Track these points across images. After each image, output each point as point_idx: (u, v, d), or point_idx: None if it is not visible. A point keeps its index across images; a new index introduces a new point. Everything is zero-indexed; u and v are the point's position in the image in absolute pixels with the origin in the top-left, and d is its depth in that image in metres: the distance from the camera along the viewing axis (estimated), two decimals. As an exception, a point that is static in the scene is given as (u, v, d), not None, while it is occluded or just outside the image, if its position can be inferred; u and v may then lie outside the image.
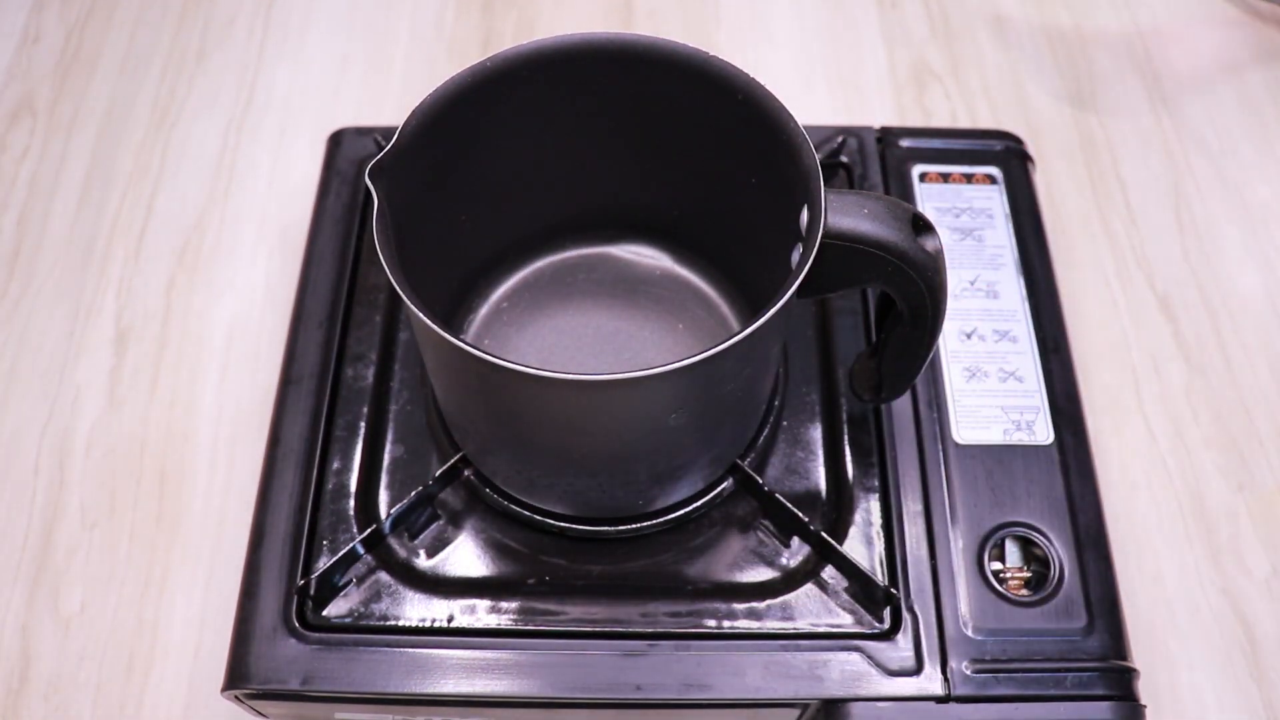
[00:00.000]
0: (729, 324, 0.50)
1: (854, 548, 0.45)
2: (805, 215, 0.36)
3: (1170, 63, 0.72)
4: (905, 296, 0.38)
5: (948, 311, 0.40)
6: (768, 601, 0.44)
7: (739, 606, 0.44)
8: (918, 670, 0.42)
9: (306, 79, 0.71)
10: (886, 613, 0.44)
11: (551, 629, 0.43)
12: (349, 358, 0.50)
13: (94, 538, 0.53)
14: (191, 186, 0.66)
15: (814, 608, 0.44)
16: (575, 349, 0.48)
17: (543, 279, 0.51)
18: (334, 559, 0.43)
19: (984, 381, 0.49)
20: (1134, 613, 0.49)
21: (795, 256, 0.37)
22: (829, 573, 0.44)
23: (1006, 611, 0.43)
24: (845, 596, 0.44)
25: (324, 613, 0.44)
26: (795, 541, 0.46)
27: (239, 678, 0.42)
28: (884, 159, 0.57)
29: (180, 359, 0.59)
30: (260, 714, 0.44)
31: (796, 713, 0.43)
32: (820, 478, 0.48)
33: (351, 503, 0.46)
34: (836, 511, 0.47)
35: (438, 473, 0.45)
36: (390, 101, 0.70)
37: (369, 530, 0.44)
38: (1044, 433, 0.48)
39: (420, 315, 0.34)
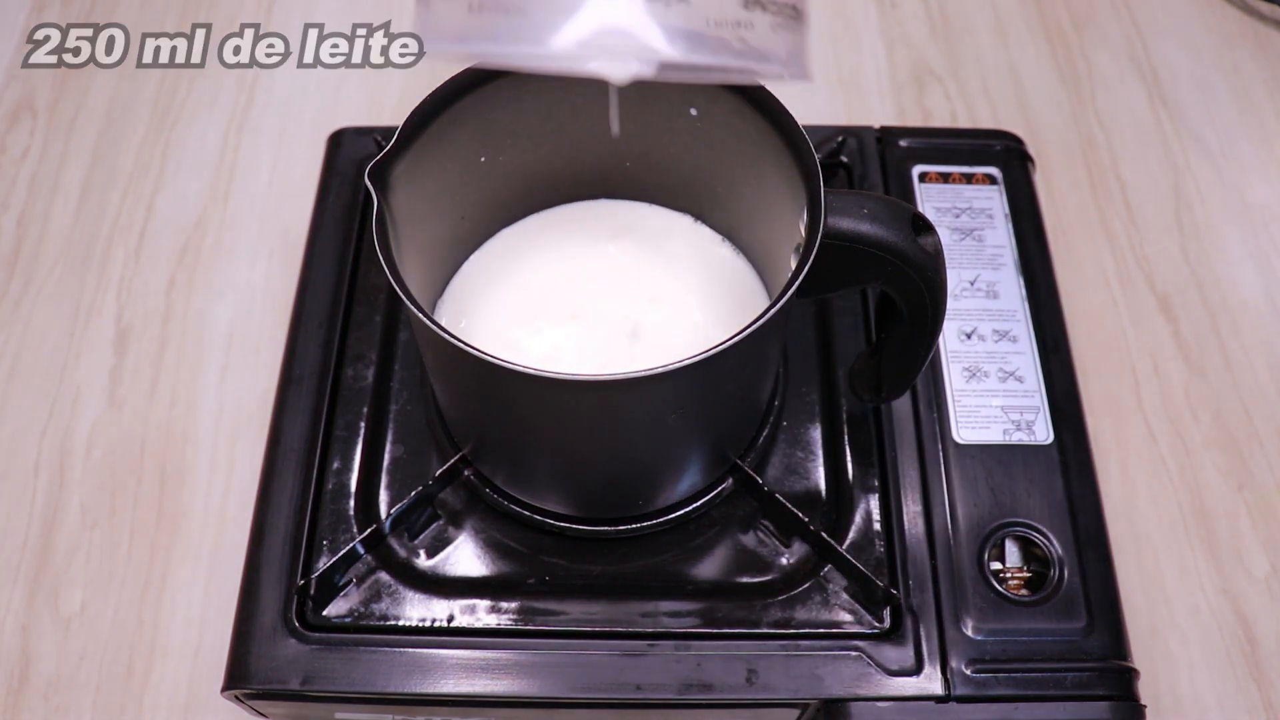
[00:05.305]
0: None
1: (854, 548, 0.45)
2: (805, 215, 0.36)
3: (1170, 63, 0.72)
4: (905, 296, 0.38)
5: (948, 311, 0.40)
6: (768, 601, 0.44)
7: (739, 606, 0.44)
8: (918, 670, 0.42)
9: (306, 79, 0.71)
10: (886, 613, 0.44)
11: (551, 629, 0.43)
12: (349, 358, 0.50)
13: (94, 538, 0.53)
14: (191, 186, 0.66)
15: (814, 608, 0.44)
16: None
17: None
18: (334, 559, 0.43)
19: (984, 381, 0.49)
20: (1134, 613, 0.49)
21: (795, 256, 0.37)
22: (829, 573, 0.44)
23: (1006, 611, 0.43)
24: (845, 596, 0.44)
25: (324, 613, 0.44)
26: (795, 541, 0.46)
27: (239, 678, 0.42)
28: (884, 159, 0.57)
29: (180, 359, 0.59)
30: (260, 714, 0.44)
31: (796, 713, 0.43)
32: (820, 478, 0.48)
33: (351, 503, 0.46)
34: (836, 511, 0.47)
35: (438, 473, 0.45)
36: (390, 101, 0.70)
37: (369, 530, 0.44)
38: (1044, 433, 0.48)
39: (420, 316, 0.34)
